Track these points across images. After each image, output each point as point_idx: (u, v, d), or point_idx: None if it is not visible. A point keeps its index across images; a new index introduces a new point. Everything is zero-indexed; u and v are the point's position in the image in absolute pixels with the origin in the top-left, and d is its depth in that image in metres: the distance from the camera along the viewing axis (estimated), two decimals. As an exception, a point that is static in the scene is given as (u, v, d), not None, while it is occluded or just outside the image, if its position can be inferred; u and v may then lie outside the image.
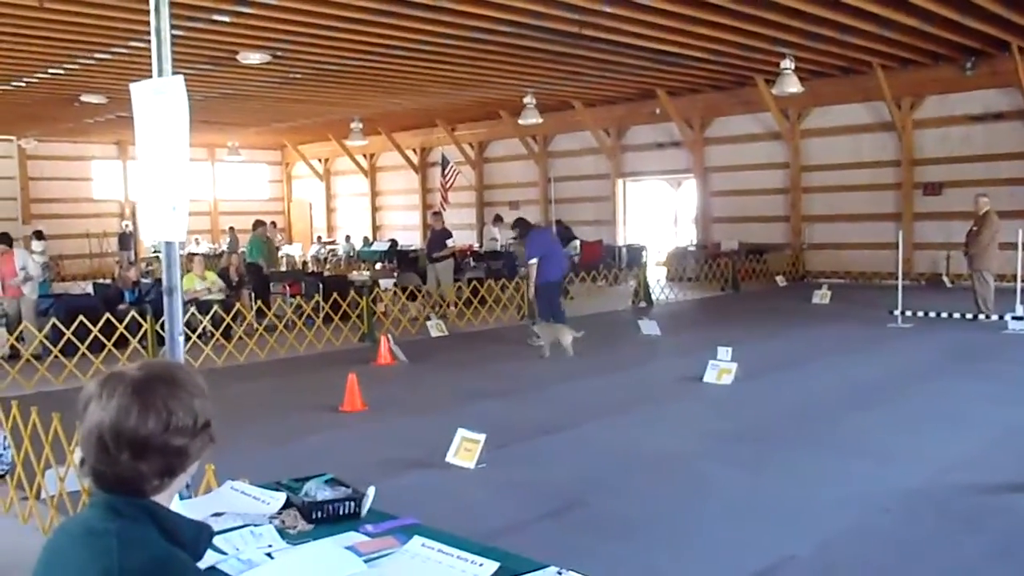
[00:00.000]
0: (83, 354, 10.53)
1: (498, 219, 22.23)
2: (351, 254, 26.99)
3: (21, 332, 11.24)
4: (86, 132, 26.20)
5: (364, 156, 31.52)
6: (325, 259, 27.06)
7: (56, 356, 10.49)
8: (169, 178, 3.72)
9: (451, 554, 2.26)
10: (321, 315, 13.50)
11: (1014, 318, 12.01)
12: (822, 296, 16.13)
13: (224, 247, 26.11)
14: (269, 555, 2.31)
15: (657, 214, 25.93)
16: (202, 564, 1.72)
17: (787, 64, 16.43)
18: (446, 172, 25.47)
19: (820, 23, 13.97)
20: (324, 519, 2.57)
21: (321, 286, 14.90)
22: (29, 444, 5.58)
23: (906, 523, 5.10)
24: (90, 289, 15.47)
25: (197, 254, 21.58)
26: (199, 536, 1.71)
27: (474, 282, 16.10)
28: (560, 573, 2.15)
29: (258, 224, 17.86)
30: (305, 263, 26.28)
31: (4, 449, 6.16)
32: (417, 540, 2.36)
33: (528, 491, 5.77)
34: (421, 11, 12.28)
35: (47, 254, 20.84)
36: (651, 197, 25.88)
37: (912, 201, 19.41)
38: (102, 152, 29.71)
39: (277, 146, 33.89)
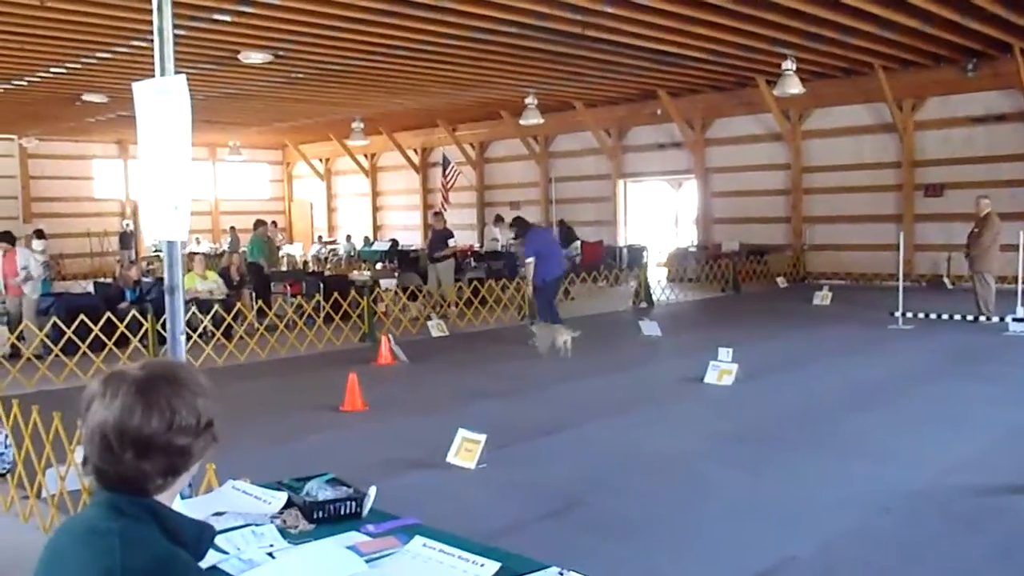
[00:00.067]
0: (84, 353, 10.53)
1: (499, 219, 22.23)
2: (352, 254, 26.99)
3: (22, 331, 11.24)
4: (87, 131, 26.21)
5: (365, 156, 31.53)
6: (326, 259, 27.06)
7: (57, 355, 10.49)
8: (171, 177, 3.72)
9: (452, 554, 2.26)
10: (322, 315, 13.50)
11: (1015, 320, 12.01)
12: (823, 297, 16.13)
13: (225, 247, 26.11)
14: (270, 555, 2.31)
15: (658, 215, 25.93)
16: (203, 564, 1.72)
17: (788, 65, 16.44)
18: (447, 172, 25.50)
19: (821, 24, 13.97)
20: (325, 519, 2.57)
21: (322, 286, 14.91)
22: (30, 443, 5.58)
23: (907, 524, 5.10)
24: (91, 288, 15.47)
25: (198, 253, 21.57)
26: (201, 536, 1.71)
27: (475, 282, 16.12)
28: (562, 573, 2.15)
29: (259, 224, 17.87)
30: (306, 263, 26.30)
31: (5, 448, 6.16)
32: (418, 540, 2.36)
33: (529, 491, 5.77)
34: (423, 11, 12.28)
35: (47, 253, 20.85)
36: (652, 198, 25.88)
37: (913, 202, 19.40)
38: (103, 151, 29.72)
39: (278, 146, 33.90)
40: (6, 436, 6.15)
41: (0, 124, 24.39)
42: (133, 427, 1.57)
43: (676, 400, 8.62)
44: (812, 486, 5.76)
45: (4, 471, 6.12)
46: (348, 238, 29.13)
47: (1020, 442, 6.87)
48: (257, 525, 2.47)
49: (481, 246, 24.28)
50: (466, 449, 6.30)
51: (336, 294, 13.83)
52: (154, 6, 3.77)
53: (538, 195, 26.54)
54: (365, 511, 2.62)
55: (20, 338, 11.12)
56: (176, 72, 3.78)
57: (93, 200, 29.62)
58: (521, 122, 21.28)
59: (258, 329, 12.82)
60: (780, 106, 20.11)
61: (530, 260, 12.31)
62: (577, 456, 6.64)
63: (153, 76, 3.81)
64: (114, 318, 11.34)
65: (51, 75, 16.60)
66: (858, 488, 5.68)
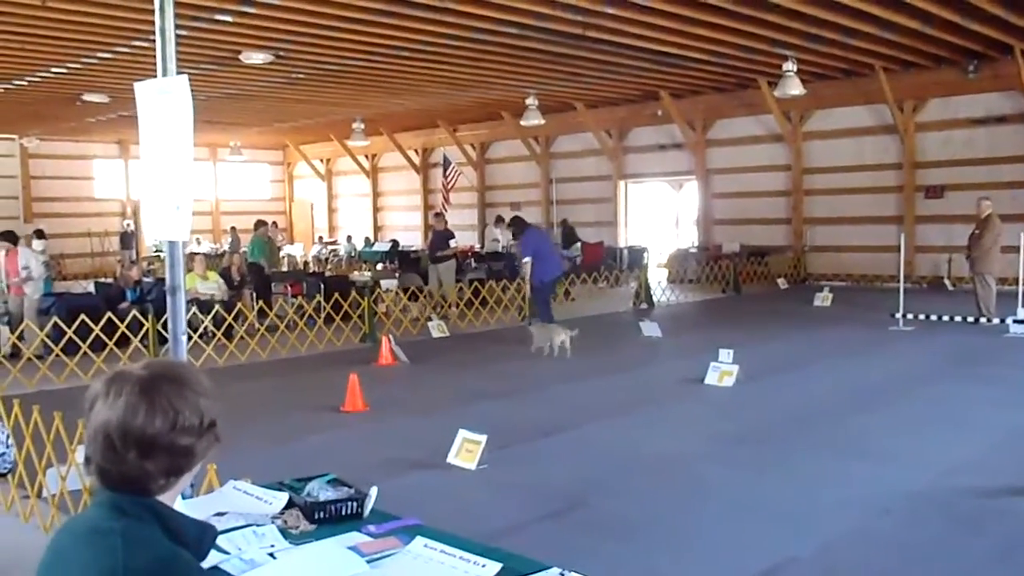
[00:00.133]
0: (84, 353, 10.53)
1: (500, 220, 22.24)
2: (352, 254, 26.99)
3: (22, 331, 11.24)
4: (88, 131, 26.23)
5: (366, 156, 31.53)
6: (326, 259, 27.07)
7: (58, 355, 10.49)
8: (173, 177, 3.72)
9: (454, 555, 2.27)
10: (322, 315, 13.50)
11: (1015, 321, 12.01)
12: (823, 299, 16.13)
13: (226, 247, 26.11)
14: (271, 555, 2.31)
15: (658, 216, 25.92)
16: (205, 564, 1.72)
17: (789, 66, 16.44)
18: (448, 173, 25.51)
19: (822, 25, 13.97)
20: (326, 519, 2.57)
21: (322, 286, 14.91)
22: (31, 443, 5.58)
23: (908, 526, 5.10)
24: (91, 288, 15.48)
25: (199, 254, 21.57)
26: (203, 536, 1.71)
27: (475, 283, 16.13)
28: (563, 574, 2.16)
29: (260, 224, 17.88)
30: (306, 263, 26.31)
31: (7, 448, 6.16)
32: (420, 541, 2.36)
33: (529, 492, 5.77)
34: (424, 12, 12.29)
35: (47, 253, 20.85)
36: (653, 199, 25.88)
37: (914, 204, 19.40)
38: (104, 151, 29.72)
39: (279, 146, 33.91)
40: (8, 436, 6.15)
41: (1, 124, 24.40)
42: (137, 427, 1.58)
43: (677, 401, 8.62)
44: (812, 487, 5.76)
45: (6, 471, 6.12)
46: (349, 238, 29.14)
47: (1020, 444, 6.87)
48: (258, 525, 2.47)
49: (482, 247, 24.29)
50: (467, 450, 6.30)
51: (337, 295, 13.83)
52: (156, 6, 3.77)
53: (539, 196, 26.55)
54: (366, 511, 2.63)
55: (21, 338, 11.12)
56: (177, 72, 3.78)
57: (94, 200, 29.63)
58: (522, 123, 21.29)
59: (259, 329, 12.82)
60: (781, 107, 20.11)
61: (527, 260, 12.38)
62: (578, 457, 6.64)
63: (154, 76, 3.82)
64: (115, 318, 11.34)
65: (52, 75, 16.61)
66: (858, 489, 5.68)
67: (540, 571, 2.18)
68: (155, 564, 1.54)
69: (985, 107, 18.30)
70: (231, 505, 2.67)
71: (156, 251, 25.00)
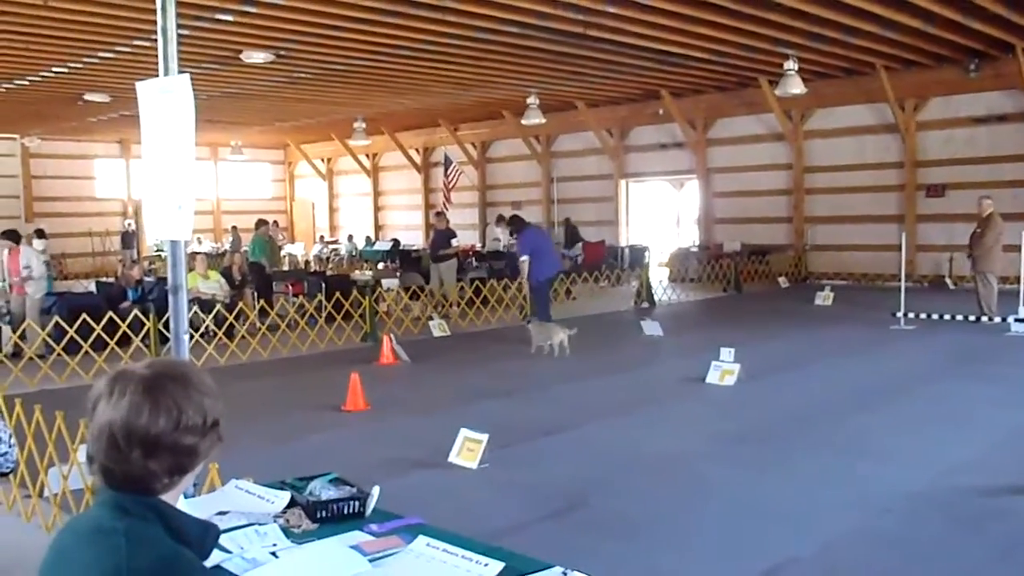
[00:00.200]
0: (86, 353, 10.54)
1: (501, 219, 22.19)
2: (354, 253, 27.00)
3: (24, 330, 11.25)
4: (89, 131, 26.24)
5: (367, 156, 31.54)
6: (328, 258, 27.08)
7: (59, 354, 10.49)
8: (175, 177, 3.73)
9: (456, 554, 2.27)
10: (324, 314, 13.51)
11: (1017, 320, 12.00)
12: (825, 298, 16.12)
13: (227, 246, 26.12)
14: (274, 554, 2.31)
15: (660, 215, 25.91)
16: (207, 563, 1.73)
17: (790, 65, 16.43)
18: (449, 172, 25.51)
19: (823, 24, 13.97)
20: (329, 518, 2.57)
21: (324, 285, 14.92)
22: (32, 442, 5.58)
23: (909, 525, 5.10)
24: (93, 288, 15.49)
25: (200, 253, 21.58)
26: (205, 535, 1.71)
27: (476, 282, 16.13)
28: (565, 573, 2.16)
29: (261, 223, 17.87)
30: (308, 262, 26.32)
31: (9, 447, 6.16)
32: (422, 540, 2.36)
33: (531, 491, 5.78)
34: (425, 11, 12.29)
35: (48, 252, 20.86)
36: (654, 198, 25.87)
37: (915, 203, 19.39)
38: (105, 151, 29.73)
39: (280, 145, 33.91)
40: (10, 435, 6.15)
41: (2, 123, 24.41)
42: (140, 426, 1.58)
43: (678, 400, 8.62)
44: (813, 486, 5.76)
45: (8, 470, 6.12)
46: (350, 238, 29.15)
47: (1022, 443, 6.87)
48: (260, 524, 2.47)
49: (483, 246, 24.29)
50: (468, 449, 6.30)
51: (338, 294, 13.83)
52: (158, 6, 3.78)
53: (540, 195, 26.54)
54: (368, 511, 2.63)
55: (22, 337, 11.13)
56: (179, 72, 3.78)
57: (95, 200, 29.63)
58: (523, 122, 21.29)
59: (260, 329, 12.82)
60: (782, 106, 20.10)
61: (524, 258, 12.40)
62: (579, 456, 6.65)
63: (155, 75, 3.82)
64: (116, 318, 11.35)
65: (53, 75, 16.62)
66: (860, 488, 5.68)
67: (542, 570, 2.18)
68: (158, 563, 1.54)
69: (986, 106, 18.29)
70: (233, 504, 2.67)
71: (157, 250, 25.01)
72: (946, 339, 11.72)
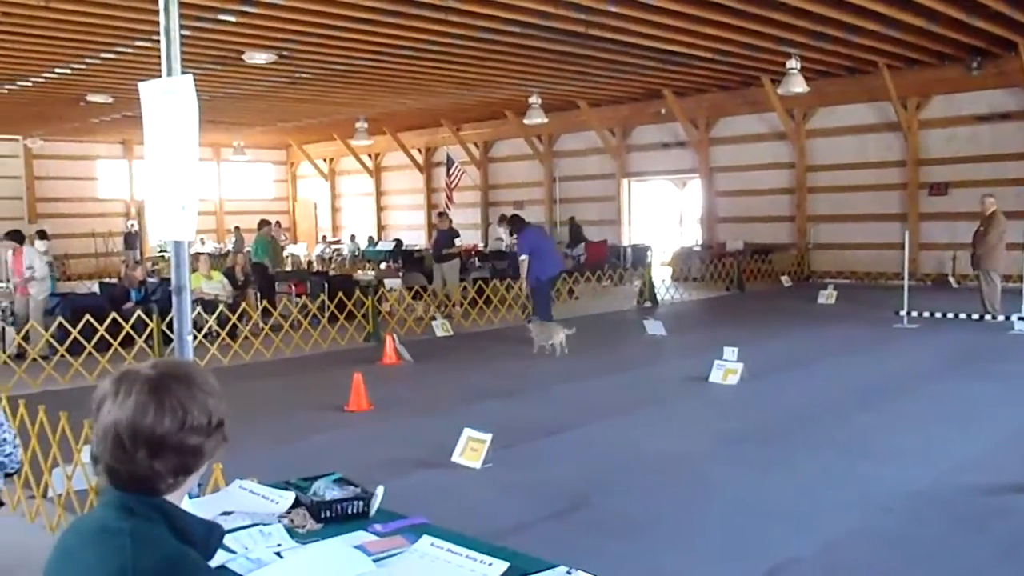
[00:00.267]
0: (89, 353, 10.55)
1: (503, 219, 22.20)
2: (356, 254, 27.00)
3: (27, 331, 11.26)
4: (92, 132, 26.26)
5: (369, 156, 31.54)
6: (330, 259, 27.08)
7: (62, 355, 10.51)
8: (178, 177, 3.73)
9: (460, 553, 2.27)
10: (326, 315, 13.52)
11: (1020, 318, 11.99)
12: (827, 296, 16.11)
13: (229, 247, 26.14)
14: (278, 554, 2.32)
15: (662, 214, 25.89)
16: (212, 563, 1.73)
17: (793, 64, 16.41)
18: (451, 172, 25.51)
19: (826, 23, 13.95)
20: (333, 518, 2.57)
21: (326, 286, 14.93)
22: (36, 443, 5.59)
23: (911, 524, 5.10)
24: (96, 288, 15.50)
25: (203, 253, 21.59)
26: (210, 535, 1.72)
27: (479, 282, 16.13)
28: (569, 573, 2.16)
29: (263, 224, 17.87)
30: (310, 263, 26.31)
31: (14, 448, 6.17)
32: (426, 540, 2.36)
33: (534, 491, 5.78)
34: (427, 11, 12.29)
35: (51, 253, 20.87)
36: (656, 197, 25.85)
37: (918, 201, 19.37)
38: (107, 152, 29.75)
39: (282, 146, 33.93)
40: (15, 436, 6.16)
41: (4, 125, 24.44)
42: (146, 426, 1.58)
43: (681, 400, 8.62)
44: (816, 486, 5.76)
45: (13, 471, 6.13)
46: (352, 238, 29.15)
47: (1025, 441, 6.86)
48: (265, 524, 2.48)
49: (485, 246, 24.28)
50: (472, 449, 6.30)
51: (341, 294, 13.83)
52: (161, 6, 3.78)
53: (542, 194, 26.54)
54: (372, 511, 2.63)
55: (26, 338, 11.13)
56: (181, 72, 3.78)
57: (97, 200, 29.66)
58: (525, 121, 21.29)
59: (263, 329, 12.83)
60: (784, 105, 20.08)
61: (524, 258, 12.38)
62: (582, 456, 6.65)
63: (158, 76, 3.82)
64: (120, 318, 11.36)
65: (55, 76, 16.63)
66: (862, 488, 5.68)
67: (546, 570, 2.18)
68: (163, 563, 1.54)
69: (989, 104, 18.26)
70: (238, 504, 2.68)
71: (160, 251, 25.03)
72: (949, 338, 11.70)
